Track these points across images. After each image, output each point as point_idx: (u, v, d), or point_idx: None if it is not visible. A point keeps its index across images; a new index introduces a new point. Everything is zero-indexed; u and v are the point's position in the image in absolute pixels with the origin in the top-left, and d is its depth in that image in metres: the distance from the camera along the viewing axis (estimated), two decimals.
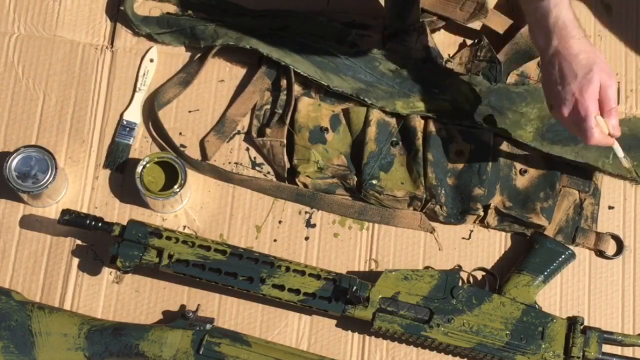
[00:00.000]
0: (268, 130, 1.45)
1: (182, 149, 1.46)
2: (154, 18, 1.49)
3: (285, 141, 1.44)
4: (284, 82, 1.49)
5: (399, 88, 1.47)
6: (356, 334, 1.41)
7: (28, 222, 1.42)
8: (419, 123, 1.46)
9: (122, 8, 1.48)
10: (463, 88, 1.48)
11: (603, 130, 1.26)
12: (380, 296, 1.36)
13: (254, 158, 1.47)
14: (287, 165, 1.45)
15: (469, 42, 1.54)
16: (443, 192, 1.43)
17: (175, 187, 1.37)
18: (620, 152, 1.33)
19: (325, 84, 1.46)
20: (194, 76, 1.48)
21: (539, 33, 1.29)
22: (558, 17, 1.26)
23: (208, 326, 1.34)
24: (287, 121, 1.44)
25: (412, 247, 1.45)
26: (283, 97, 1.48)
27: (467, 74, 1.49)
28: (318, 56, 1.47)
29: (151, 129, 1.46)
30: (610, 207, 1.48)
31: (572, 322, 1.38)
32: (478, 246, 1.46)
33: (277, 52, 1.46)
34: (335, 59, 1.47)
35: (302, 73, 1.45)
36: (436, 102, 1.47)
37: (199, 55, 1.49)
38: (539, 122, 1.46)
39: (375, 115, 1.46)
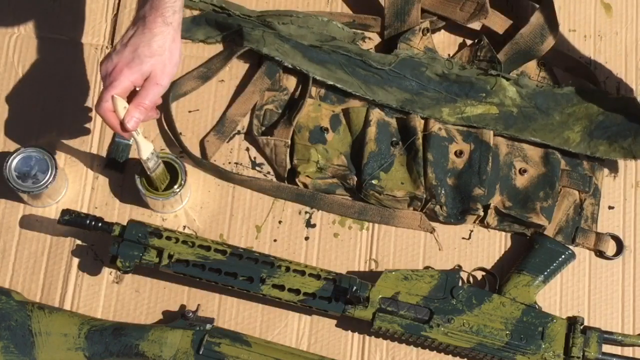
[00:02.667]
0: (275, 130, 1.45)
1: (181, 150, 1.46)
2: (202, 17, 1.49)
3: (289, 142, 1.44)
4: (284, 82, 1.49)
5: (445, 93, 1.47)
6: (356, 334, 1.41)
7: (28, 222, 1.42)
8: (419, 123, 1.46)
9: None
10: (509, 91, 1.48)
11: (116, 111, 1.19)
12: (380, 296, 1.36)
13: (254, 158, 1.47)
14: (289, 165, 1.45)
15: (469, 42, 1.54)
16: (443, 192, 1.43)
17: (175, 187, 1.37)
18: (143, 153, 1.26)
19: (371, 98, 1.46)
20: (215, 72, 1.48)
21: None
22: None
23: (208, 326, 1.34)
24: (294, 122, 1.44)
25: (412, 247, 1.45)
26: (283, 97, 1.48)
27: (512, 77, 1.48)
28: (362, 70, 1.47)
29: (162, 120, 1.46)
30: (610, 207, 1.49)
31: (572, 322, 1.38)
32: (478, 246, 1.46)
33: (321, 71, 1.46)
34: (380, 70, 1.47)
35: (346, 89, 1.46)
36: (483, 106, 1.47)
37: (222, 51, 1.49)
38: (587, 120, 1.46)
39: (375, 115, 1.46)
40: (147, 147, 1.27)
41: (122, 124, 1.21)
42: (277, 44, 1.46)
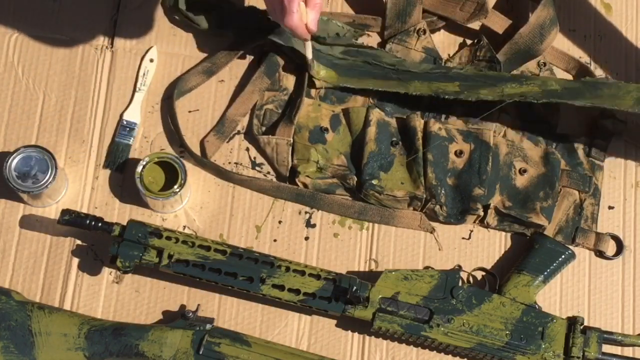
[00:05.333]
0: (276, 129, 1.45)
1: (182, 149, 1.46)
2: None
3: (292, 140, 1.44)
4: (284, 82, 1.49)
5: (484, 80, 1.46)
6: (356, 334, 1.41)
7: (28, 222, 1.42)
8: (419, 123, 1.46)
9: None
10: (551, 80, 1.47)
11: (303, 17, 1.28)
12: (380, 296, 1.36)
13: (254, 158, 1.47)
14: (290, 164, 1.45)
15: (468, 42, 1.54)
16: (443, 192, 1.43)
17: (175, 187, 1.37)
18: (309, 53, 1.39)
19: (403, 91, 1.46)
20: (220, 68, 1.48)
21: None
22: None
23: (208, 326, 1.34)
24: (295, 121, 1.44)
25: (412, 247, 1.45)
26: (283, 97, 1.48)
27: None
28: (394, 74, 1.48)
29: (165, 117, 1.47)
30: (610, 207, 1.49)
31: (572, 322, 1.38)
32: (478, 246, 1.46)
33: (357, 82, 1.47)
34: (413, 74, 1.48)
35: (382, 89, 1.47)
36: (525, 87, 1.45)
37: (227, 47, 1.49)
38: (638, 91, 1.44)
39: (375, 115, 1.46)
40: (310, 47, 1.40)
41: (306, 27, 1.30)
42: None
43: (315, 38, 1.45)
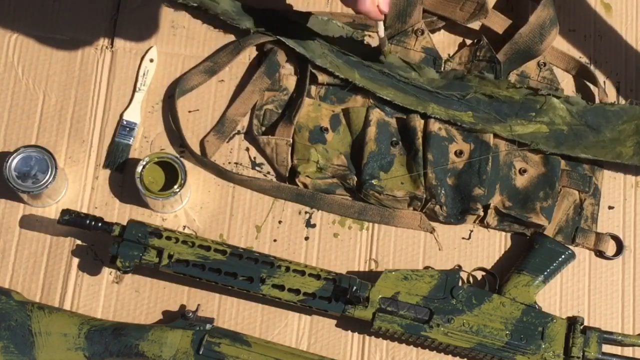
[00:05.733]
0: (276, 130, 1.45)
1: (182, 149, 1.46)
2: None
3: (291, 140, 1.44)
4: (284, 82, 1.49)
5: (495, 114, 1.47)
6: (356, 334, 1.41)
7: (28, 222, 1.42)
8: (419, 123, 1.46)
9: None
10: (559, 110, 1.47)
11: (374, 1, 1.30)
12: (380, 296, 1.36)
13: (254, 158, 1.47)
14: (290, 164, 1.45)
15: (468, 42, 1.54)
16: (443, 192, 1.43)
17: (175, 187, 1.37)
18: (382, 32, 1.42)
19: (422, 111, 1.46)
20: (221, 67, 1.48)
21: None
22: None
23: (208, 326, 1.34)
24: (295, 121, 1.44)
25: (412, 247, 1.45)
26: (283, 97, 1.48)
27: (561, 95, 1.48)
28: (414, 86, 1.48)
29: (169, 116, 1.46)
30: (610, 207, 1.49)
31: (572, 322, 1.38)
32: (478, 246, 1.46)
33: (373, 87, 1.47)
34: (429, 94, 1.48)
35: (402, 105, 1.46)
36: (534, 125, 1.47)
37: (229, 46, 1.49)
38: (639, 136, 1.46)
39: (375, 115, 1.46)
40: (382, 26, 1.42)
41: (378, 8, 1.31)
42: (330, 57, 1.47)
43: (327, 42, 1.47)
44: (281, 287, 1.35)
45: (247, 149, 1.47)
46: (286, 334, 1.40)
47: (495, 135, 1.46)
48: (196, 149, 1.46)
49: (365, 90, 1.47)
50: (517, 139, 1.46)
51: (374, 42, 1.53)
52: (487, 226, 1.46)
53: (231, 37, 1.51)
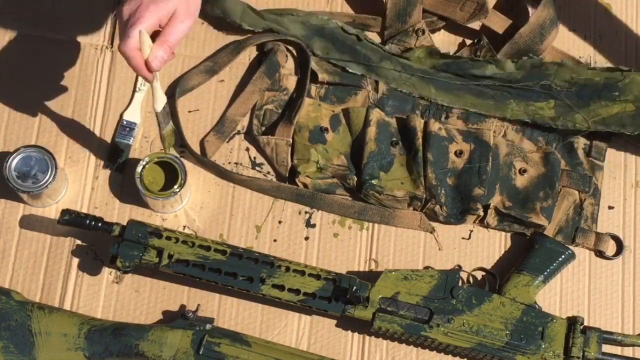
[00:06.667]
0: (276, 130, 1.45)
1: (182, 149, 1.46)
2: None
3: (291, 140, 1.44)
4: (284, 82, 1.49)
5: (577, 99, 1.47)
6: (356, 334, 1.41)
7: (28, 222, 1.42)
8: (419, 123, 1.46)
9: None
10: None
11: (142, 48, 1.18)
12: (380, 296, 1.36)
13: (254, 158, 1.47)
14: (290, 164, 1.45)
15: (468, 42, 1.54)
16: (443, 192, 1.43)
17: (175, 187, 1.37)
18: (158, 104, 1.25)
19: (500, 115, 1.47)
20: (221, 67, 1.48)
21: None
22: None
23: (208, 326, 1.34)
24: (295, 121, 1.44)
25: (412, 247, 1.45)
26: (283, 97, 1.48)
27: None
28: (491, 89, 1.48)
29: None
30: (610, 207, 1.49)
31: (572, 322, 1.38)
32: (478, 246, 1.46)
33: (449, 98, 1.47)
34: (508, 88, 1.48)
35: (479, 112, 1.47)
36: (619, 105, 1.46)
37: (229, 46, 1.49)
38: None
39: (375, 115, 1.46)
40: (162, 98, 1.27)
41: (146, 63, 1.20)
42: (404, 77, 1.47)
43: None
44: (281, 287, 1.35)
45: (247, 149, 1.47)
46: (286, 334, 1.40)
47: (488, 132, 1.47)
48: (196, 149, 1.46)
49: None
50: (602, 126, 1.44)
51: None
52: (487, 226, 1.46)
53: (231, 37, 1.51)
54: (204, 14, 1.50)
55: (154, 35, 1.22)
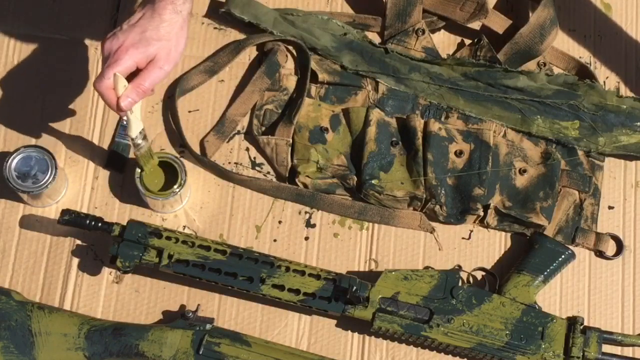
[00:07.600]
0: (276, 130, 1.45)
1: (182, 149, 1.46)
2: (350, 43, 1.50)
3: (291, 140, 1.44)
4: (284, 82, 1.49)
5: (601, 123, 1.47)
6: (356, 334, 1.41)
7: (28, 222, 1.42)
8: (419, 123, 1.46)
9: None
10: None
11: (116, 89, 1.20)
12: (380, 296, 1.36)
13: (254, 158, 1.47)
14: (290, 164, 1.45)
15: (468, 42, 1.54)
16: (443, 192, 1.43)
17: (175, 187, 1.37)
18: (133, 130, 1.26)
19: (527, 130, 1.47)
20: (221, 67, 1.49)
21: None
22: None
23: (208, 326, 1.34)
24: (295, 121, 1.45)
25: (412, 247, 1.45)
26: (283, 97, 1.48)
27: None
28: (518, 102, 1.48)
29: (169, 116, 1.47)
30: (610, 207, 1.49)
31: (572, 322, 1.38)
32: (478, 246, 1.46)
33: (477, 109, 1.48)
34: (535, 102, 1.48)
35: (505, 124, 1.47)
36: (638, 135, 1.47)
37: (229, 46, 1.49)
38: None
39: (375, 115, 1.46)
40: (137, 126, 1.27)
41: (117, 102, 1.22)
42: (432, 88, 1.48)
43: (430, 59, 1.48)
44: (281, 287, 1.35)
45: (247, 149, 1.47)
46: (286, 334, 1.40)
47: (488, 133, 1.47)
48: (196, 149, 1.46)
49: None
50: (622, 151, 1.47)
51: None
52: (487, 226, 1.46)
53: (231, 37, 1.51)
54: (210, 14, 1.51)
55: (136, 72, 1.23)
